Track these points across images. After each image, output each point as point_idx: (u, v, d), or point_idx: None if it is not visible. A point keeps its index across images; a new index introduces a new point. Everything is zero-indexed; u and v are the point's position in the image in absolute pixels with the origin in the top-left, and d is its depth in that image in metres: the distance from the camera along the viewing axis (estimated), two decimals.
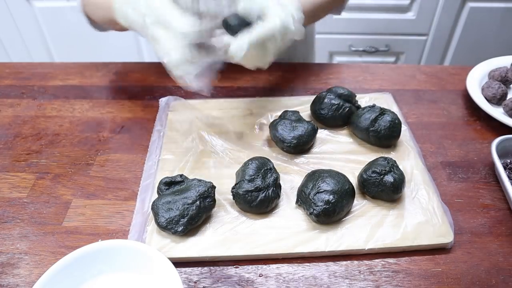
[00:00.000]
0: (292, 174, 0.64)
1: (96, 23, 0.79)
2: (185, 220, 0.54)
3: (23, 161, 0.68)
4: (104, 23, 0.74)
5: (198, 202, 0.55)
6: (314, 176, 0.59)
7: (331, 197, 0.55)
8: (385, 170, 0.59)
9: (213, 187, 0.58)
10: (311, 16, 0.72)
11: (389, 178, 0.58)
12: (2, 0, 1.56)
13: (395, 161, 0.61)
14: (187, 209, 0.55)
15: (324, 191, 0.56)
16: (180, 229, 0.54)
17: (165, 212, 0.55)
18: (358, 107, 0.72)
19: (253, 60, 0.60)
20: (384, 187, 0.58)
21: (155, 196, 0.60)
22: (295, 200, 0.60)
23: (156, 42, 0.57)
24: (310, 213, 0.56)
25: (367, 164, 0.61)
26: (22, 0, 1.56)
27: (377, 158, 0.62)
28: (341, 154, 0.67)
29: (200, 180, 0.58)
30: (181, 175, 0.60)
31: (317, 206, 0.55)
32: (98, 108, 0.79)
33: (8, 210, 0.61)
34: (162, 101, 0.77)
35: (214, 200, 0.57)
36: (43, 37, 1.68)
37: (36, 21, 1.63)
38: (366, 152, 0.68)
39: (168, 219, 0.54)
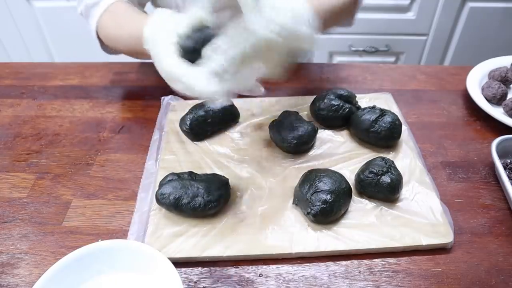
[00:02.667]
0: (292, 174, 0.64)
1: (112, 50, 0.79)
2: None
3: (23, 161, 0.68)
4: (129, 54, 0.72)
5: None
6: (311, 176, 0.59)
7: (328, 196, 0.55)
8: (382, 171, 0.58)
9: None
10: (324, 23, 0.61)
11: (386, 179, 0.58)
12: (2, 0, 1.56)
13: (392, 161, 0.61)
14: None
15: (322, 190, 0.56)
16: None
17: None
18: (358, 107, 0.72)
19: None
20: (381, 188, 0.58)
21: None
22: (292, 200, 0.60)
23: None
24: (308, 213, 0.56)
25: (364, 164, 0.61)
26: (22, 0, 1.56)
27: (374, 158, 0.61)
28: (341, 154, 0.67)
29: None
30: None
31: (315, 206, 0.55)
32: (98, 108, 0.79)
33: (8, 210, 0.61)
34: (164, 100, 0.77)
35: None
36: (43, 37, 1.68)
37: (36, 21, 1.63)
38: (366, 152, 0.67)
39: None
